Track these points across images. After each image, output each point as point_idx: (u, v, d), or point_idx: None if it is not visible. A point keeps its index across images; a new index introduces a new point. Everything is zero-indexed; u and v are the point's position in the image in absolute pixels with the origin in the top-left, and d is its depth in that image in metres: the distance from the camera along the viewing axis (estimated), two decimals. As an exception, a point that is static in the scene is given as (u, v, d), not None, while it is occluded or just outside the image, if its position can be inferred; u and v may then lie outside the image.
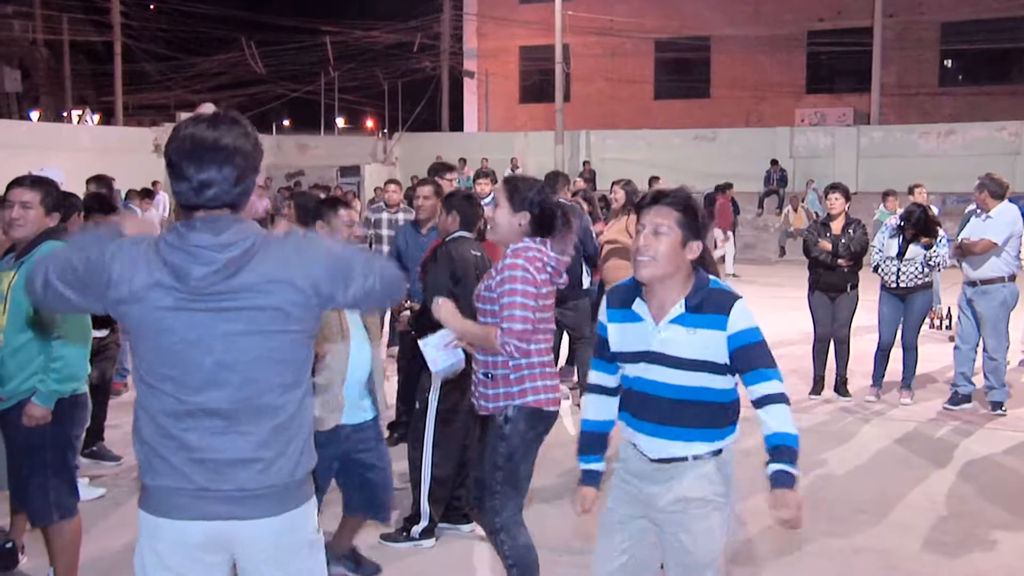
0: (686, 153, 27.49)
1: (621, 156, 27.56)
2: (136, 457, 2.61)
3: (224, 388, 2.53)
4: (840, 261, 8.42)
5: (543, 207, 4.11)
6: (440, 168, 7.73)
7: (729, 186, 23.33)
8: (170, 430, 2.53)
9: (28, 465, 4.27)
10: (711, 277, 3.26)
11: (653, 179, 23.26)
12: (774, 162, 25.90)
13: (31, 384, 4.22)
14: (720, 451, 3.32)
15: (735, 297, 3.21)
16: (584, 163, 27.89)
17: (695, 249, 3.21)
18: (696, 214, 3.23)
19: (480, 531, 5.38)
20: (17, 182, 4.43)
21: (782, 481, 3.15)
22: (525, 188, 4.12)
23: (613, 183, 9.70)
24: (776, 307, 13.58)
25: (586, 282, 8.21)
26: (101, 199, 7.15)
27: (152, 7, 38.01)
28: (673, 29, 31.67)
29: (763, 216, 25.36)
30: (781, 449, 3.20)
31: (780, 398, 3.22)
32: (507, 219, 4.07)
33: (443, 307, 4.09)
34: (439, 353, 4.22)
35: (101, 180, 9.53)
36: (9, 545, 4.91)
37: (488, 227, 4.22)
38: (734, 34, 30.97)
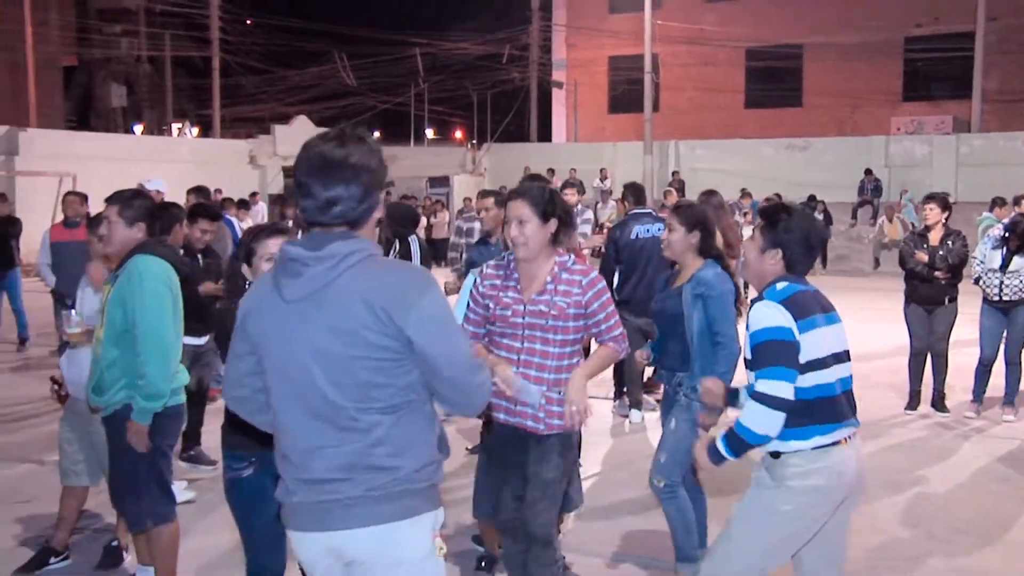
0: (778, 163, 27.08)
1: (711, 166, 27.29)
2: None
3: (312, 405, 2.54)
4: (937, 273, 8.19)
5: (564, 208, 4.01)
6: (533, 180, 7.73)
7: (813, 198, 23.00)
8: (280, 446, 2.63)
9: (123, 474, 4.40)
10: (786, 282, 3.47)
11: (744, 192, 23.03)
12: (868, 172, 25.34)
13: (123, 395, 4.30)
14: (778, 454, 3.45)
15: (759, 299, 3.48)
16: (673, 173, 27.68)
17: (772, 258, 3.52)
18: (772, 220, 3.54)
19: (565, 541, 5.38)
20: (107, 199, 4.50)
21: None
22: (544, 197, 3.94)
23: (702, 194, 9.61)
24: (870, 319, 13.26)
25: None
26: (207, 207, 7.33)
27: (249, 22, 39.05)
28: (764, 37, 31.28)
29: (857, 227, 24.83)
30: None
31: (759, 397, 3.37)
32: (539, 233, 3.88)
33: (577, 384, 3.88)
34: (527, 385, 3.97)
35: (200, 191, 9.83)
36: (115, 543, 5.08)
37: (515, 247, 3.91)
38: (827, 42, 30.41)
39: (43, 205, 19.92)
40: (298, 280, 2.53)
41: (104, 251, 4.53)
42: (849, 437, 3.47)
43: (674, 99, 32.82)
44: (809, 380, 3.38)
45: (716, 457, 3.48)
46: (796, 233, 3.50)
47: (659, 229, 7.99)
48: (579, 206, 8.97)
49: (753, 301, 3.53)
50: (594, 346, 4.21)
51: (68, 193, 10.36)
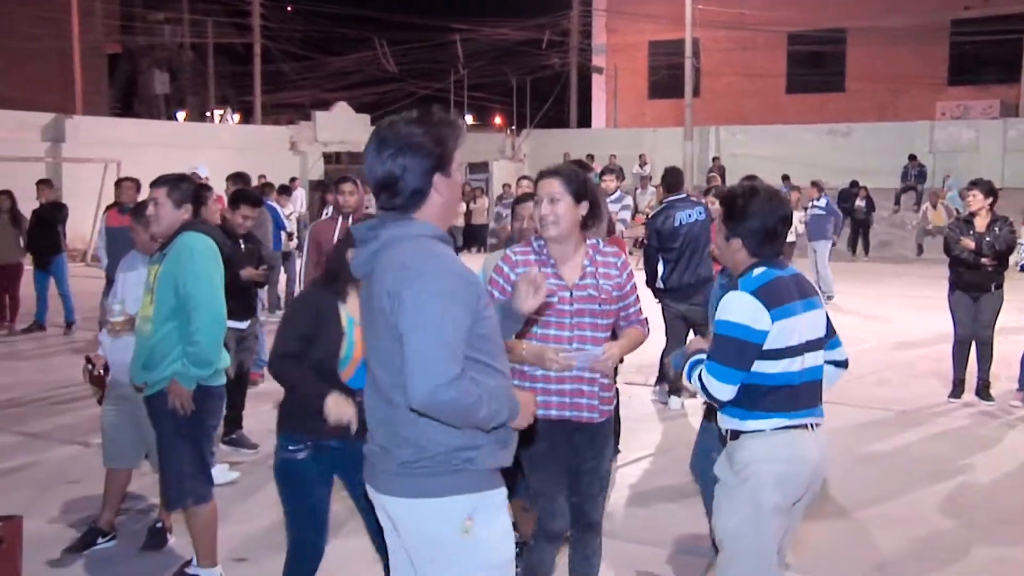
0: (819, 148, 26.75)
1: (751, 152, 27.02)
2: None
3: (371, 376, 2.72)
4: (984, 260, 8.07)
5: (595, 192, 3.88)
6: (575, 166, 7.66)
7: (855, 183, 22.70)
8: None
9: (166, 452, 4.51)
10: (763, 268, 3.40)
11: (784, 178, 22.78)
12: (912, 157, 24.98)
13: (170, 372, 4.41)
14: (737, 433, 3.43)
15: (733, 286, 3.42)
16: (714, 159, 27.47)
17: (735, 246, 3.48)
18: (729, 209, 3.50)
19: (605, 527, 5.38)
20: (153, 182, 4.64)
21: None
22: (578, 177, 3.81)
23: (743, 179, 9.51)
24: (913, 306, 13.10)
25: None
26: (249, 193, 7.42)
27: (289, 9, 39.24)
28: (807, 21, 30.85)
29: (900, 213, 24.52)
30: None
31: (702, 383, 3.40)
32: (572, 213, 3.74)
33: (610, 352, 3.75)
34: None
35: (239, 177, 9.90)
36: (159, 525, 5.18)
37: (544, 225, 3.75)
38: (872, 26, 29.92)
39: (89, 191, 20.22)
40: (356, 260, 2.67)
41: (151, 231, 4.64)
42: (813, 425, 3.41)
43: (714, 84, 32.50)
44: (779, 367, 3.33)
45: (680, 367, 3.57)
46: (753, 221, 3.41)
47: (700, 213, 7.94)
48: (618, 192, 8.94)
49: (726, 287, 3.49)
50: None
51: (123, 179, 10.50)
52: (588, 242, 3.87)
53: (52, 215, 12.22)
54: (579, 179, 3.78)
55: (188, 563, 4.66)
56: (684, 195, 8.27)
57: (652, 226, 8.09)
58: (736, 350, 3.29)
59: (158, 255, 4.54)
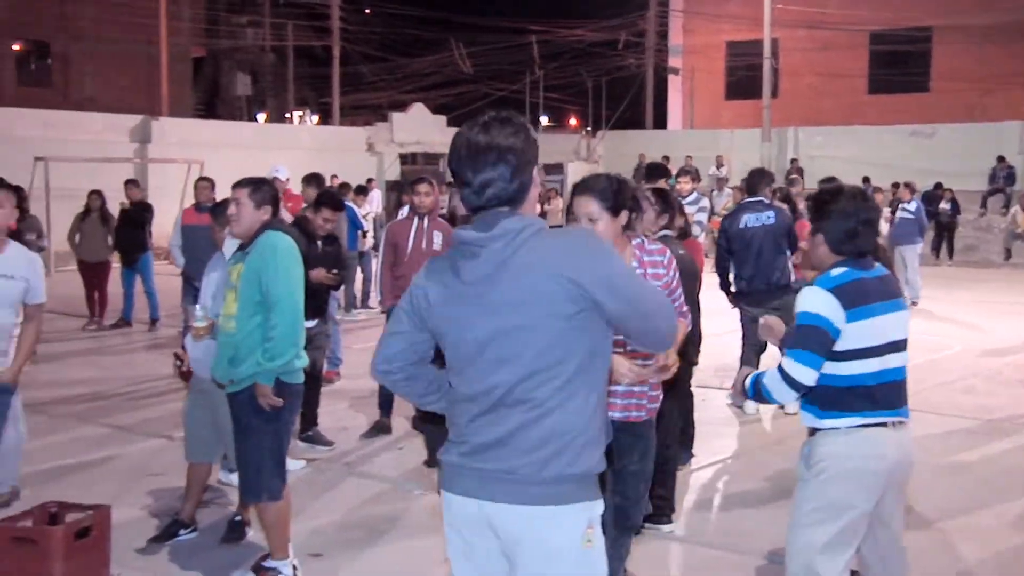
0: (901, 150, 26.12)
1: (831, 154, 26.51)
2: None
3: (487, 377, 2.59)
4: (1076, 265, 7.80)
5: (634, 198, 3.77)
6: (655, 173, 7.51)
7: (939, 186, 22.09)
8: (451, 415, 2.71)
9: (246, 447, 4.61)
10: (843, 268, 3.44)
11: (865, 180, 22.31)
12: (1001, 159, 24.29)
13: (256, 368, 4.52)
14: (815, 430, 3.49)
15: (808, 284, 3.51)
16: (792, 161, 27.04)
17: (818, 241, 3.56)
18: (815, 206, 3.61)
19: (678, 531, 5.35)
20: (235, 184, 4.76)
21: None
22: (612, 189, 3.68)
23: (820, 182, 9.35)
24: (1001, 312, 12.74)
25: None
26: (333, 197, 7.51)
27: (368, 12, 39.74)
28: (889, 20, 30.18)
29: (987, 216, 23.85)
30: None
31: (781, 372, 3.42)
32: (612, 227, 3.66)
33: (674, 359, 3.66)
34: None
35: (314, 178, 10.01)
36: (239, 518, 5.29)
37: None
38: (959, 24, 29.15)
39: (173, 191, 20.73)
40: (476, 261, 2.60)
41: (233, 231, 4.77)
42: (896, 423, 3.44)
43: (793, 85, 31.99)
44: (852, 368, 3.37)
45: (744, 393, 3.62)
46: (834, 220, 3.50)
47: (769, 217, 7.83)
48: (695, 193, 8.86)
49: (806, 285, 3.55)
50: None
51: (200, 178, 10.76)
52: (633, 242, 3.86)
53: (139, 214, 12.56)
54: (613, 191, 3.68)
55: (265, 556, 4.75)
56: (758, 198, 8.13)
57: (722, 227, 8.09)
58: (815, 336, 3.36)
59: (239, 254, 4.67)
